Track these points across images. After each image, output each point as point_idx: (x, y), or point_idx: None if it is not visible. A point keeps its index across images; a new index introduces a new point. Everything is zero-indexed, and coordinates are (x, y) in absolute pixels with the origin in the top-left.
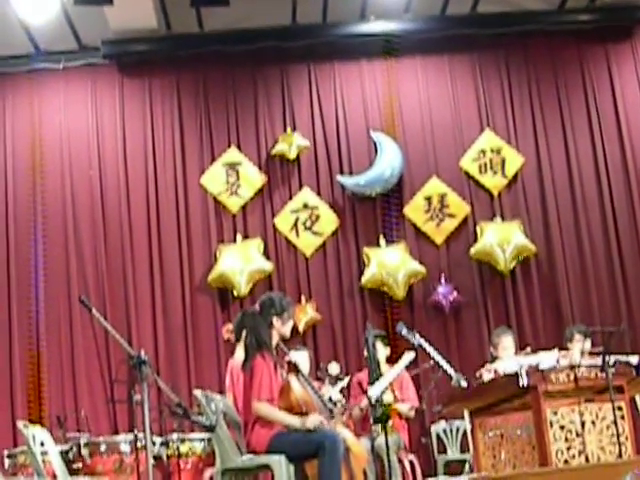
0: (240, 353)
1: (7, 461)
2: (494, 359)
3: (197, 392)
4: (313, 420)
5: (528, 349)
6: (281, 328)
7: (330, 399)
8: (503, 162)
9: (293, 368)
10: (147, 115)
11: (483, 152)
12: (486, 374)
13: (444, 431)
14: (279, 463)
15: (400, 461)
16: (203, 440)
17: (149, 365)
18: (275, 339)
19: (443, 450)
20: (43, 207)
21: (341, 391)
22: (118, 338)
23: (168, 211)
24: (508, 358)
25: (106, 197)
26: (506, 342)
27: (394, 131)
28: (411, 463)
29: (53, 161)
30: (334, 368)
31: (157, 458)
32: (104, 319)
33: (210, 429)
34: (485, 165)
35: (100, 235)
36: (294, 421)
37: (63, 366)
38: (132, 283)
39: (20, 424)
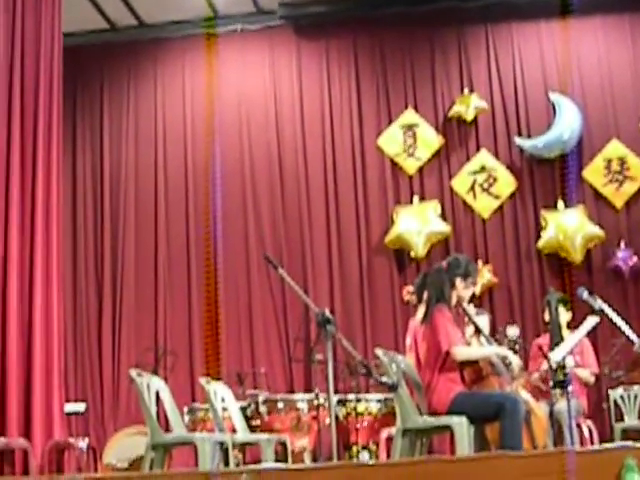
0: (421, 314)
1: (187, 417)
2: None
3: (379, 351)
4: (506, 353)
5: None
6: (462, 291)
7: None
8: None
9: (475, 330)
10: (324, 77)
11: None
12: None
13: (621, 397)
14: (460, 424)
15: (578, 427)
16: (379, 400)
17: (333, 323)
18: (454, 300)
19: (620, 417)
20: (222, 168)
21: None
22: (303, 296)
23: (345, 172)
24: None
25: (283, 158)
26: None
27: (573, 92)
28: (589, 429)
29: (231, 123)
30: (513, 331)
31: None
32: (284, 279)
33: (393, 388)
34: None
35: (277, 196)
36: (489, 351)
37: (240, 324)
38: (309, 243)
39: (202, 380)
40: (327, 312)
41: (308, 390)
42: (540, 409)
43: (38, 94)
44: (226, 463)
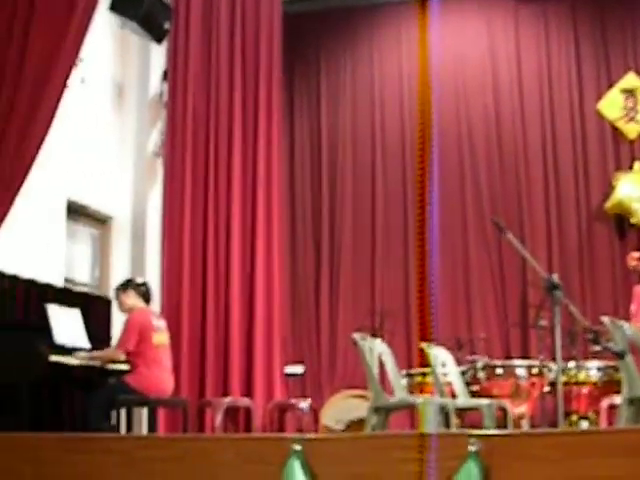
0: None
1: (404, 380)
2: None
3: (605, 319)
4: None
5: None
6: None
7: None
8: None
9: None
10: (542, 41)
11: None
12: None
13: None
14: None
15: None
16: (600, 368)
17: (561, 289)
18: None
19: None
20: (439, 131)
21: None
22: (531, 261)
23: (564, 137)
24: None
25: (501, 122)
26: None
27: None
28: None
29: (448, 88)
30: None
31: (552, 384)
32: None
33: (621, 356)
34: None
35: (495, 160)
36: None
37: (457, 289)
38: (527, 208)
39: (424, 345)
40: (555, 278)
41: (524, 356)
42: None
43: (259, 61)
44: (446, 427)
